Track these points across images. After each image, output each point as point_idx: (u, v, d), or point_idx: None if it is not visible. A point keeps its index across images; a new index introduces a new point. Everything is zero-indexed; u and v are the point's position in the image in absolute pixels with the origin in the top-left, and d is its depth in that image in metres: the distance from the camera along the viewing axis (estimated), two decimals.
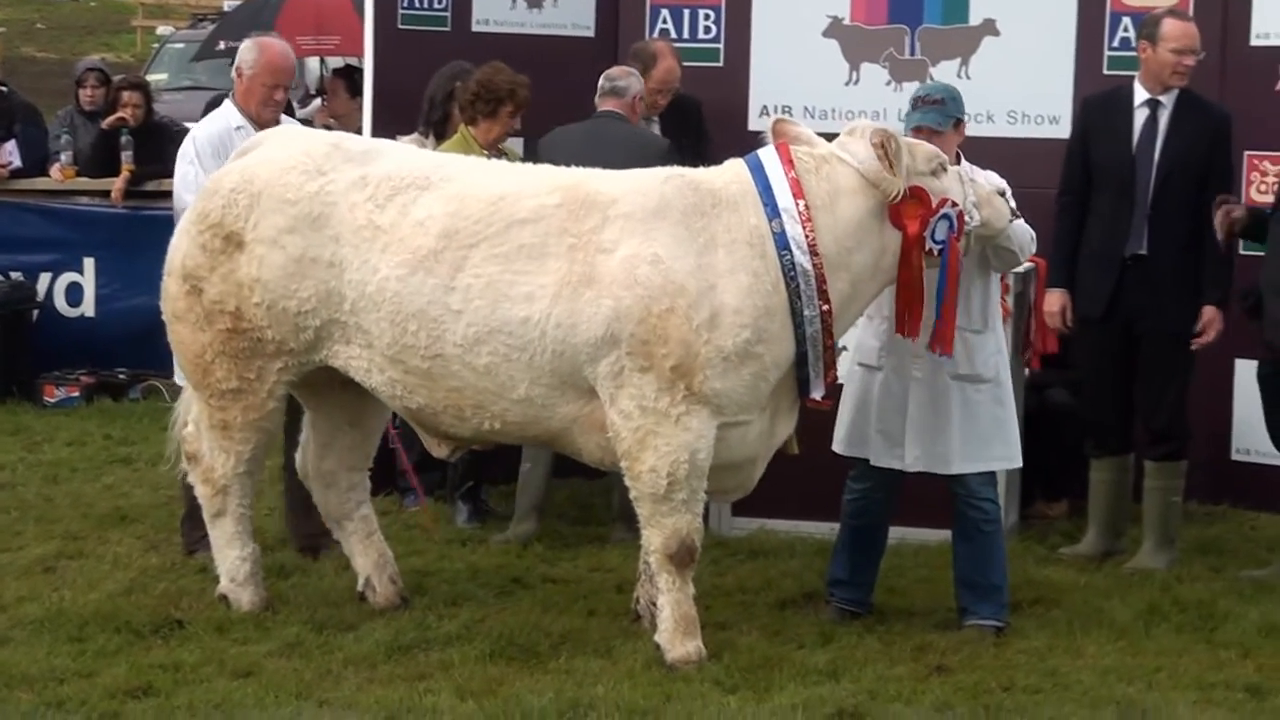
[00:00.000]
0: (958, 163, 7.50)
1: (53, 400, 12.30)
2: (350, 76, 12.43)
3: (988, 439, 7.56)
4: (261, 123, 8.40)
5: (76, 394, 12.29)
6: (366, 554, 7.84)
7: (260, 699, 6.62)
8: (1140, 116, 8.64)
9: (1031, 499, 9.52)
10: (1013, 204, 7.48)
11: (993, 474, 7.68)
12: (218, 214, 7.43)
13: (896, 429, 7.57)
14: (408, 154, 7.71)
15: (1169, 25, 8.61)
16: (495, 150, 8.96)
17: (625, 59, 9.69)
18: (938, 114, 7.55)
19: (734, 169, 7.28)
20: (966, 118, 7.71)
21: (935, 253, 7.14)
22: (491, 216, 7.16)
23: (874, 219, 7.14)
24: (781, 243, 7.05)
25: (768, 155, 7.23)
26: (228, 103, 8.66)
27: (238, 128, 8.44)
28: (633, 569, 7.77)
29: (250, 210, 7.37)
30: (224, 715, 6.45)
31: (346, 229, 7.28)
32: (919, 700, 6.76)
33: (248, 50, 8.58)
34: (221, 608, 7.61)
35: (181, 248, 7.55)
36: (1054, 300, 8.74)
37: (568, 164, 7.51)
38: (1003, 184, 7.56)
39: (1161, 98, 8.63)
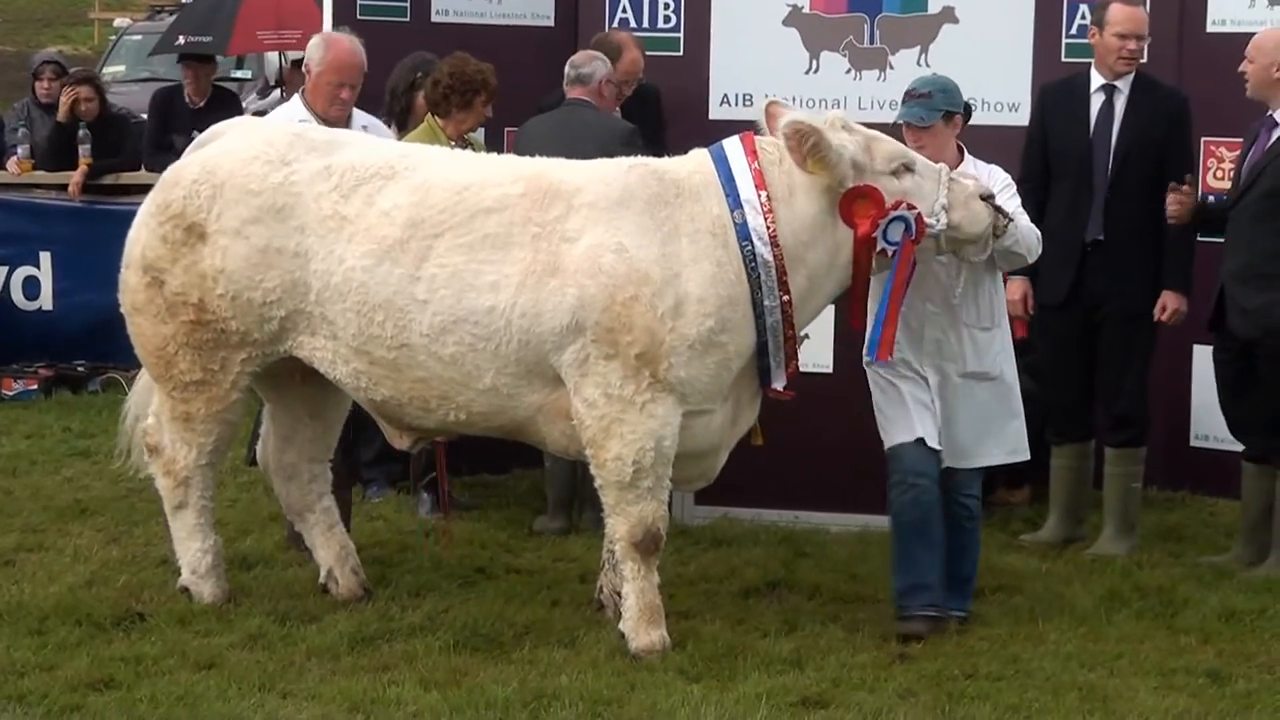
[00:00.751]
0: (961, 156, 7.49)
1: (11, 393, 12.23)
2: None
3: (988, 436, 7.54)
4: (329, 120, 8.20)
5: (35, 387, 12.22)
6: (328, 546, 7.82)
7: (223, 691, 6.60)
8: (1096, 102, 8.70)
9: (993, 486, 9.53)
10: (1017, 202, 7.45)
11: (982, 471, 7.65)
12: (179, 205, 7.40)
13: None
14: (370, 144, 7.70)
15: (1113, 10, 8.65)
16: (461, 141, 8.95)
17: (587, 49, 9.66)
18: (922, 108, 7.48)
19: (697, 159, 7.29)
20: (959, 108, 7.59)
21: (889, 254, 7.11)
22: (456, 206, 7.17)
23: (829, 215, 7.13)
24: (743, 233, 7.06)
25: (731, 146, 7.23)
26: (296, 98, 8.47)
27: (301, 121, 8.23)
28: (596, 559, 7.78)
29: (213, 201, 7.34)
30: (186, 708, 6.43)
31: (312, 219, 7.26)
32: (882, 688, 6.78)
33: (315, 47, 8.34)
34: (183, 600, 7.58)
35: (141, 239, 7.52)
36: (1015, 288, 8.69)
37: (540, 154, 7.53)
38: (1006, 179, 7.56)
39: (1117, 83, 8.68)
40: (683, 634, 7.28)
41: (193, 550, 7.64)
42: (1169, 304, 8.60)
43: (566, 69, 9.18)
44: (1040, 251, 7.51)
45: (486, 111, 9.07)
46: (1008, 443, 7.61)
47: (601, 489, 7.18)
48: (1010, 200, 7.46)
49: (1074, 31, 9.80)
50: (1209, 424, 9.49)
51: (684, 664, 6.99)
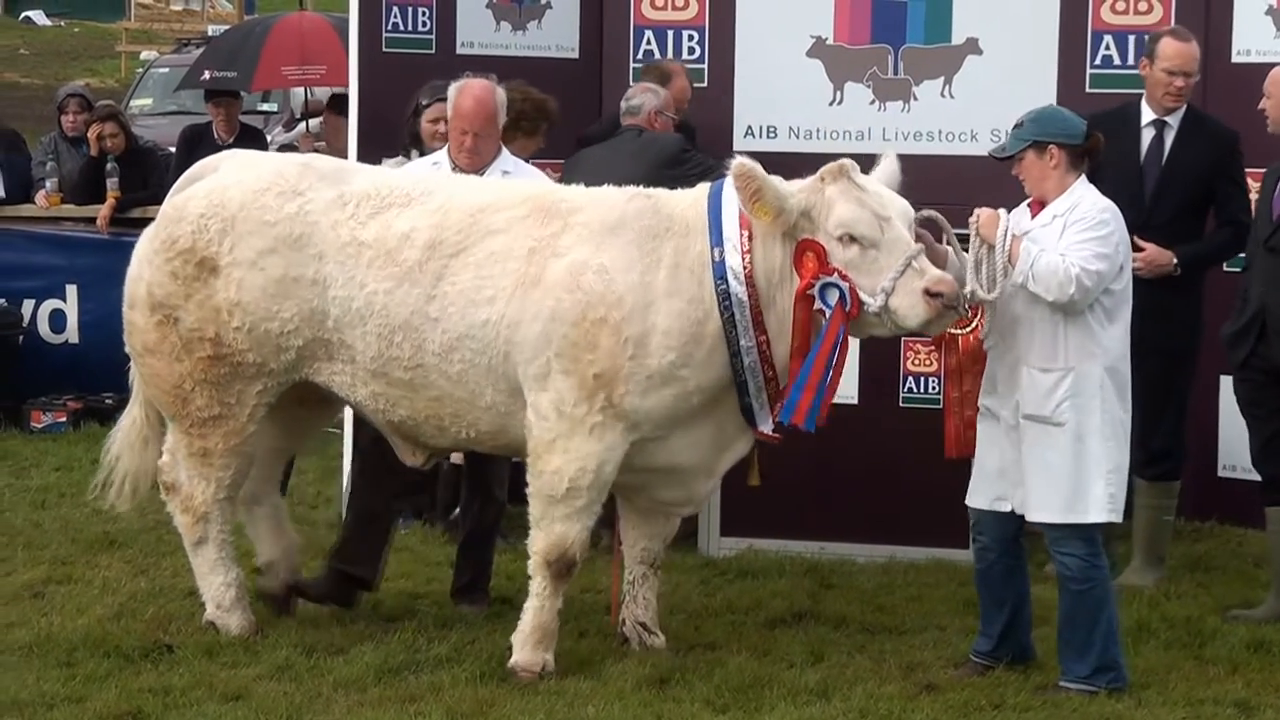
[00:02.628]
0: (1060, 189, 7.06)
1: (40, 426, 12.28)
2: (342, 107, 12.47)
3: (1055, 489, 6.99)
4: (458, 166, 8.07)
5: (64, 419, 12.26)
6: (277, 541, 7.92)
7: None
8: (1147, 136, 8.60)
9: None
10: (1052, 235, 6.98)
11: (1077, 529, 7.01)
12: (188, 240, 7.43)
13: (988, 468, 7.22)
14: (379, 172, 7.80)
15: (1164, 44, 8.55)
16: None
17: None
18: (1012, 137, 7.15)
19: (697, 194, 7.34)
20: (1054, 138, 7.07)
21: (825, 315, 6.97)
22: (471, 227, 7.27)
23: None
24: (719, 271, 7.08)
25: (730, 185, 7.20)
26: (442, 156, 8.25)
27: (434, 165, 8.21)
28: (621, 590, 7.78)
29: (224, 234, 7.38)
30: None
31: (330, 246, 7.32)
32: (909, 719, 6.76)
33: (451, 93, 8.12)
34: (211, 632, 7.60)
35: (145, 277, 7.54)
36: None
37: (588, 180, 7.58)
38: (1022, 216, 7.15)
39: (1168, 118, 8.59)
40: (709, 665, 7.28)
41: (216, 585, 7.66)
42: (1158, 257, 8.35)
43: (620, 103, 9.29)
44: (1072, 291, 6.83)
45: (541, 141, 9.17)
46: (1076, 499, 6.98)
47: (531, 498, 7.20)
48: (1048, 231, 7.01)
49: (1098, 62, 9.82)
50: (1237, 454, 9.43)
51: (710, 695, 6.98)
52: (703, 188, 7.36)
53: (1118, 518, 7.15)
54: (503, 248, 7.20)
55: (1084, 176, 7.14)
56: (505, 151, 8.23)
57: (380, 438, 7.72)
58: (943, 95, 9.91)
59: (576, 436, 7.07)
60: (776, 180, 7.02)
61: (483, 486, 8.26)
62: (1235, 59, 9.59)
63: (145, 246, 7.63)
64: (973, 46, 10.01)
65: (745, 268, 7.06)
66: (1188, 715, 6.89)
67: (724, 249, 7.09)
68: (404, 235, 7.27)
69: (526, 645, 7.20)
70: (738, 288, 7.06)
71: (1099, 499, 7.01)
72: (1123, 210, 8.21)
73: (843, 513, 8.96)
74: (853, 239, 6.97)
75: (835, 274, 6.95)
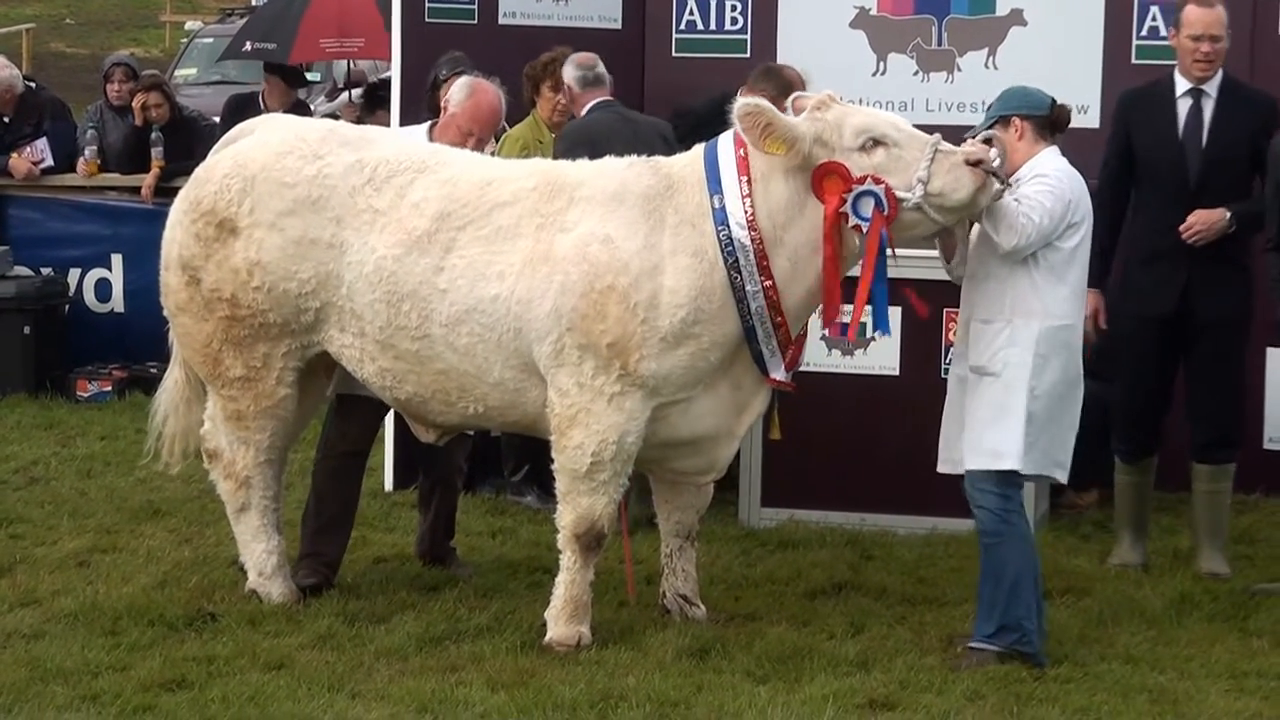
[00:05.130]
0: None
1: (85, 395, 12.35)
2: (375, 93, 12.53)
3: (978, 435, 7.09)
4: None
5: (109, 389, 12.33)
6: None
7: (293, 691, 6.65)
8: (1184, 107, 8.40)
9: (1061, 489, 9.48)
10: (1039, 188, 7.09)
11: (995, 477, 7.08)
12: (210, 201, 7.51)
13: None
14: (400, 140, 7.80)
15: (1187, 11, 8.40)
16: (559, 130, 9.20)
17: (654, 49, 9.69)
18: (983, 120, 7.37)
19: (695, 152, 7.35)
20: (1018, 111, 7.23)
21: (862, 229, 6.99)
22: (479, 200, 7.29)
23: (804, 195, 7.08)
24: (719, 218, 7.09)
25: (725, 137, 7.23)
26: (422, 129, 8.35)
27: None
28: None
29: (244, 195, 7.44)
30: (257, 708, 6.48)
31: (347, 212, 7.37)
32: (950, 690, 6.77)
33: (460, 89, 8.17)
34: (254, 601, 7.65)
35: (176, 239, 7.63)
36: (1089, 301, 8.10)
37: (612, 152, 7.54)
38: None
39: (1205, 87, 8.39)
40: (749, 636, 7.29)
41: (258, 552, 7.71)
42: (1209, 215, 8.23)
43: (578, 71, 9.17)
44: (1018, 242, 6.95)
45: (560, 99, 9.25)
46: (995, 443, 7.05)
47: (556, 473, 7.23)
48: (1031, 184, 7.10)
49: (1144, 33, 9.76)
50: None
51: (751, 666, 7.00)
52: (698, 147, 7.36)
53: (1036, 471, 7.14)
54: (511, 221, 7.22)
55: (1054, 148, 7.26)
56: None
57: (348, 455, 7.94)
58: (986, 67, 9.87)
59: (597, 408, 7.08)
60: (783, 114, 7.04)
61: (443, 478, 8.34)
62: None
63: (177, 207, 7.72)
64: (1017, 18, 9.96)
65: (747, 212, 7.07)
66: (1231, 688, 6.88)
67: (723, 196, 7.10)
68: (415, 204, 7.31)
69: (560, 619, 7.22)
70: (740, 233, 7.06)
71: (1014, 448, 7.03)
72: (1165, 183, 8.25)
73: (884, 484, 8.96)
74: (876, 142, 7.00)
75: (867, 179, 6.96)
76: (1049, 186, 7.07)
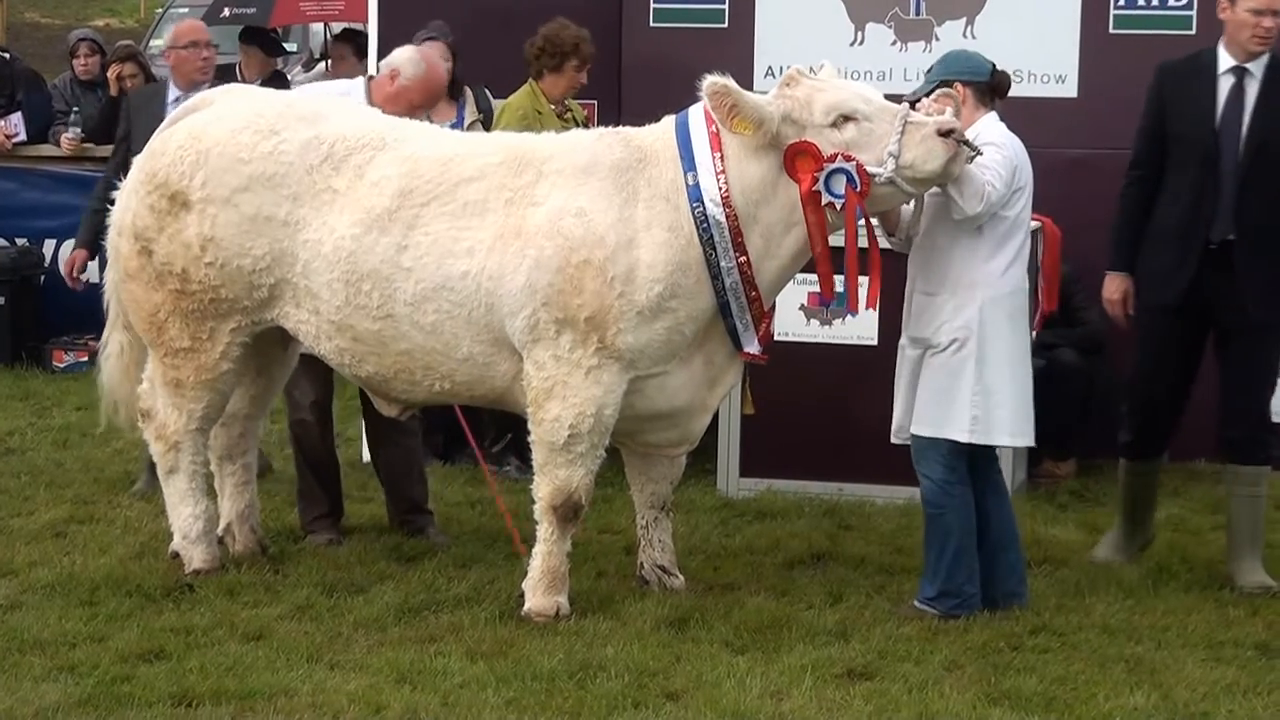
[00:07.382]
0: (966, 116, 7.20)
1: (62, 365, 12.34)
2: (355, 40, 12.41)
3: (925, 405, 7.19)
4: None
5: (85, 359, 12.29)
6: (235, 501, 7.95)
7: (271, 662, 6.65)
8: (1225, 85, 7.78)
9: (1039, 459, 9.52)
10: (993, 155, 7.08)
11: (937, 447, 7.19)
12: (164, 173, 7.47)
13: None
14: (358, 115, 7.71)
15: None
16: (561, 106, 9.23)
17: (632, 18, 9.65)
18: (923, 83, 7.44)
19: (664, 125, 7.33)
20: (951, 76, 7.27)
21: (838, 207, 7.01)
22: (442, 176, 7.26)
23: (778, 173, 7.10)
24: (694, 195, 7.09)
25: (695, 111, 7.23)
26: (359, 84, 8.38)
27: (342, 94, 8.23)
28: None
29: (196, 169, 7.41)
30: (235, 678, 6.47)
31: (304, 189, 7.33)
32: (928, 660, 6.78)
33: (410, 63, 8.19)
34: (232, 571, 7.63)
35: (131, 207, 7.59)
36: (1115, 285, 7.98)
37: None
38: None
39: (1249, 65, 7.76)
40: (727, 606, 7.30)
41: (184, 515, 7.71)
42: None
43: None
44: (981, 208, 6.99)
45: (581, 78, 9.31)
46: (938, 415, 7.15)
47: (534, 446, 7.23)
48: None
49: (1122, 3, 9.74)
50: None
51: (729, 636, 7.01)
52: (667, 119, 7.35)
53: (984, 441, 7.20)
54: (478, 197, 7.20)
55: (994, 114, 7.29)
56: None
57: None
58: (965, 36, 9.84)
59: (574, 381, 7.08)
60: (750, 94, 7.04)
61: (384, 437, 8.42)
62: None
63: (133, 176, 7.68)
64: None
65: (721, 189, 7.07)
66: (1207, 657, 6.90)
67: (697, 173, 7.09)
68: (374, 183, 7.26)
69: (538, 590, 7.22)
70: (714, 209, 7.07)
71: (960, 420, 7.13)
72: (1192, 164, 7.81)
73: (862, 454, 8.96)
74: (846, 118, 7.01)
75: (837, 158, 6.97)
76: (1002, 155, 7.12)
